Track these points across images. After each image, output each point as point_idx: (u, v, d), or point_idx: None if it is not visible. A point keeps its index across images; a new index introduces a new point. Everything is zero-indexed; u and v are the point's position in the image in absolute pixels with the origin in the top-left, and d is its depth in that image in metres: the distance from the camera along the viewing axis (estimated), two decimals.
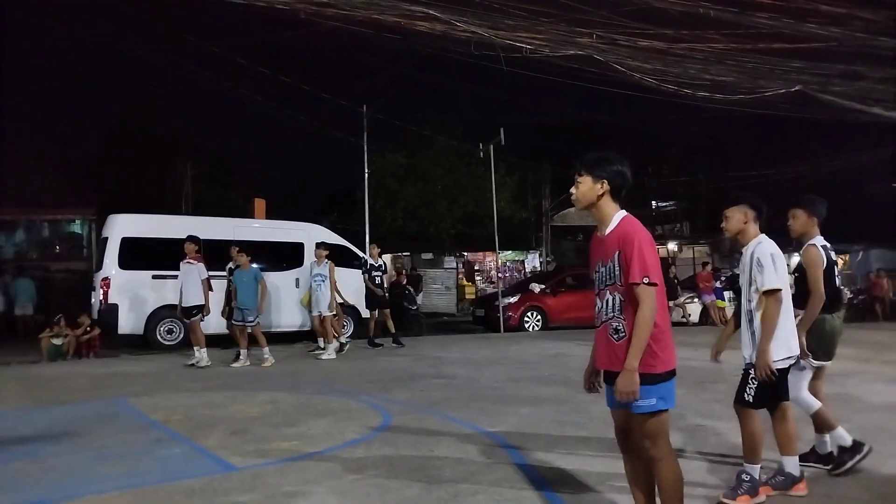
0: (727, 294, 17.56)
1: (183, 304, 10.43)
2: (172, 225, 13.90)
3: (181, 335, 12.61)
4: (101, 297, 12.44)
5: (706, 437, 5.43)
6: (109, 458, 5.16)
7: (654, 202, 34.88)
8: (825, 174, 26.40)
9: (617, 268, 3.01)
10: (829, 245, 4.69)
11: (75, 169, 27.52)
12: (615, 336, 3.02)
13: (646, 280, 2.90)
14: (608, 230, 3.11)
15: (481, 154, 19.89)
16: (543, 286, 17.53)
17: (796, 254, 4.63)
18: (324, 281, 11.20)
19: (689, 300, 17.76)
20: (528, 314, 16.78)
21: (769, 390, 3.95)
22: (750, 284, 4.05)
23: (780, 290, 3.92)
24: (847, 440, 4.45)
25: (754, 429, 3.99)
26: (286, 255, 14.00)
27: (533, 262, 29.51)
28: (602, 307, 3.10)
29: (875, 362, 9.66)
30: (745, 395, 3.98)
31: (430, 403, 7.14)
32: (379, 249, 13.18)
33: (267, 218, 17.00)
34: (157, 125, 26.79)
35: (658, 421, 2.98)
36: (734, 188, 29.42)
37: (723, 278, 18.10)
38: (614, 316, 3.02)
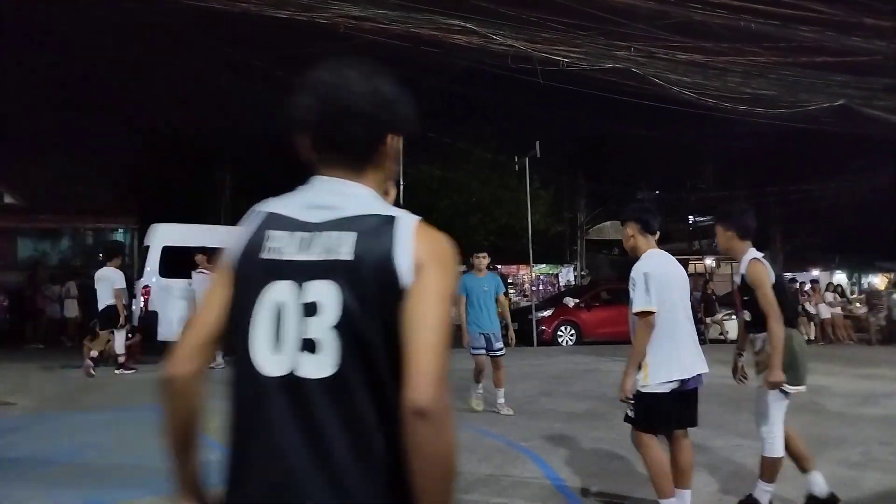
0: None
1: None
2: (211, 235, 14.14)
3: None
4: (142, 305, 12.68)
5: (745, 456, 5.31)
6: (146, 463, 5.23)
7: (691, 217, 34.42)
8: (868, 190, 25.77)
9: None
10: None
11: (118, 178, 28.17)
12: None
13: None
14: None
15: (516, 167, 19.87)
16: (578, 300, 17.40)
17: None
18: None
19: (726, 317, 17.45)
20: (562, 328, 16.66)
21: (644, 412, 3.69)
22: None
23: (650, 312, 3.62)
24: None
25: (654, 456, 3.70)
26: None
27: (567, 275, 29.32)
28: None
29: None
30: (628, 412, 3.79)
31: (461, 416, 7.12)
32: None
33: None
34: (200, 136, 27.28)
35: None
36: (773, 203, 28.92)
37: None
38: None
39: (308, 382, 1.18)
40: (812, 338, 17.82)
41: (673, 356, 3.68)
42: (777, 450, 3.97)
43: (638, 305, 3.65)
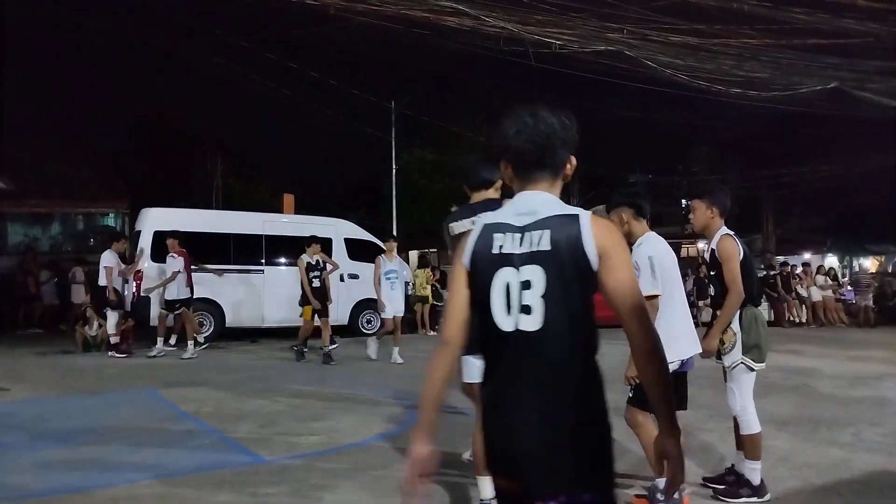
0: None
1: (167, 297, 11.12)
2: (203, 219, 14.10)
3: (211, 328, 12.82)
4: (134, 290, 12.62)
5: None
6: (141, 447, 5.24)
7: (684, 200, 34.49)
8: (860, 173, 25.83)
9: None
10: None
11: (109, 162, 27.95)
12: None
13: None
14: None
15: None
16: None
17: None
18: (397, 279, 10.16)
19: None
20: None
21: (641, 392, 3.67)
22: None
23: (656, 296, 3.62)
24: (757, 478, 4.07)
25: (649, 434, 3.66)
26: None
27: None
28: None
29: None
30: (629, 392, 3.79)
31: (459, 400, 7.13)
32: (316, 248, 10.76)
33: (295, 213, 17.12)
34: (189, 119, 27.09)
35: None
36: (765, 187, 28.97)
37: None
38: None
39: (526, 334, 1.76)
40: (804, 320, 17.92)
41: (670, 338, 3.65)
42: (752, 426, 4.06)
43: (645, 290, 3.54)
